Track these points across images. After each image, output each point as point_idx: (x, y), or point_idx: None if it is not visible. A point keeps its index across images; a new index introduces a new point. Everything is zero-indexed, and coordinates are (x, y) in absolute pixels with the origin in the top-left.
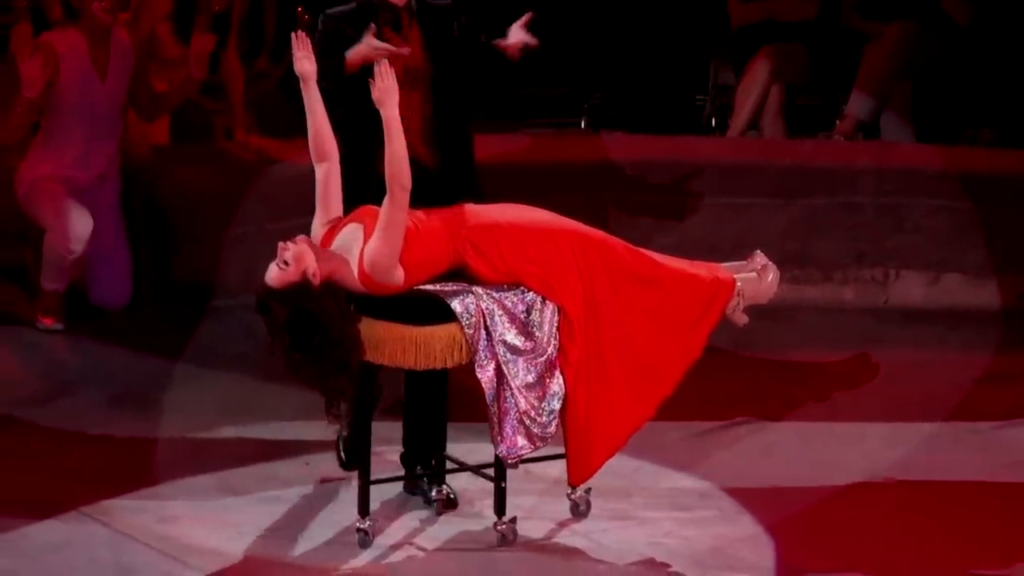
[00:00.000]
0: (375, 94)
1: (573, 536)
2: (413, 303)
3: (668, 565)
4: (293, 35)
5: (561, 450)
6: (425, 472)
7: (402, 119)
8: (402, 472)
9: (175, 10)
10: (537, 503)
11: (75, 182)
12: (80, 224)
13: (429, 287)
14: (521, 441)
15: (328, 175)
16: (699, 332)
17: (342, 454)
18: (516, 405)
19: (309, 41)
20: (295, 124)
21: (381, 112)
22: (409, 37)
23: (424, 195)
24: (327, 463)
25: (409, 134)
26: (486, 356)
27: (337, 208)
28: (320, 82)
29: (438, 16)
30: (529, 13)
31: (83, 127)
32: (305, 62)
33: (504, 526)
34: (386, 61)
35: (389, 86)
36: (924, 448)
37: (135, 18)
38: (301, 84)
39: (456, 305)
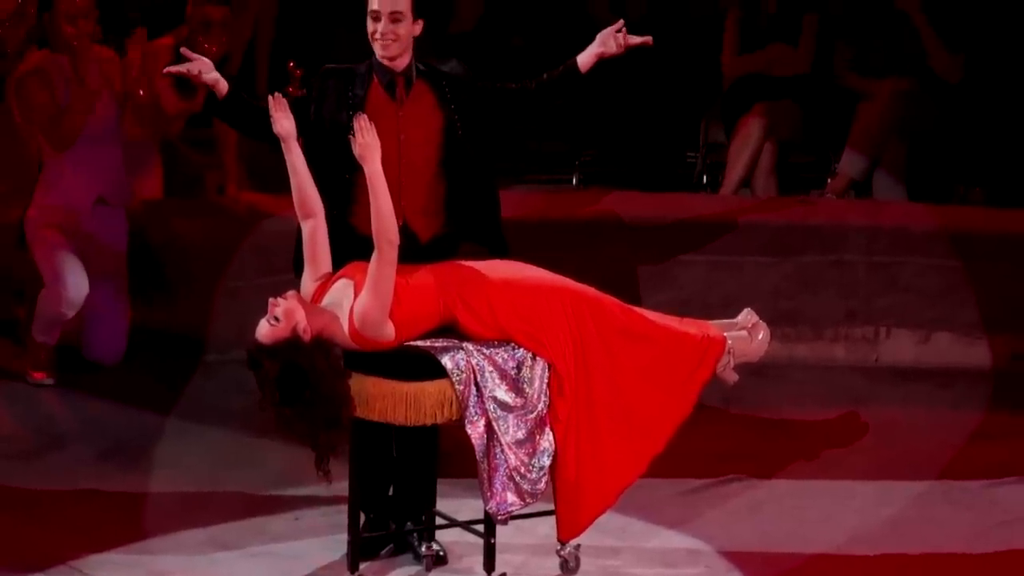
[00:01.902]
0: (356, 150)
1: None
2: (403, 359)
3: None
4: (270, 96)
5: (551, 506)
6: (415, 527)
7: (398, 184)
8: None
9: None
10: (527, 559)
11: (76, 210)
12: (75, 290)
13: (420, 343)
14: (511, 497)
15: (315, 231)
16: (690, 389)
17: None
18: (506, 461)
19: (286, 101)
20: (286, 179)
21: (364, 168)
22: (405, 102)
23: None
24: (317, 518)
25: (407, 201)
26: (476, 412)
27: (326, 264)
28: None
29: (450, 81)
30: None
31: (81, 146)
32: (284, 122)
33: None
34: (365, 116)
35: (370, 142)
36: (914, 506)
37: (143, 71)
38: (281, 144)
39: (447, 361)
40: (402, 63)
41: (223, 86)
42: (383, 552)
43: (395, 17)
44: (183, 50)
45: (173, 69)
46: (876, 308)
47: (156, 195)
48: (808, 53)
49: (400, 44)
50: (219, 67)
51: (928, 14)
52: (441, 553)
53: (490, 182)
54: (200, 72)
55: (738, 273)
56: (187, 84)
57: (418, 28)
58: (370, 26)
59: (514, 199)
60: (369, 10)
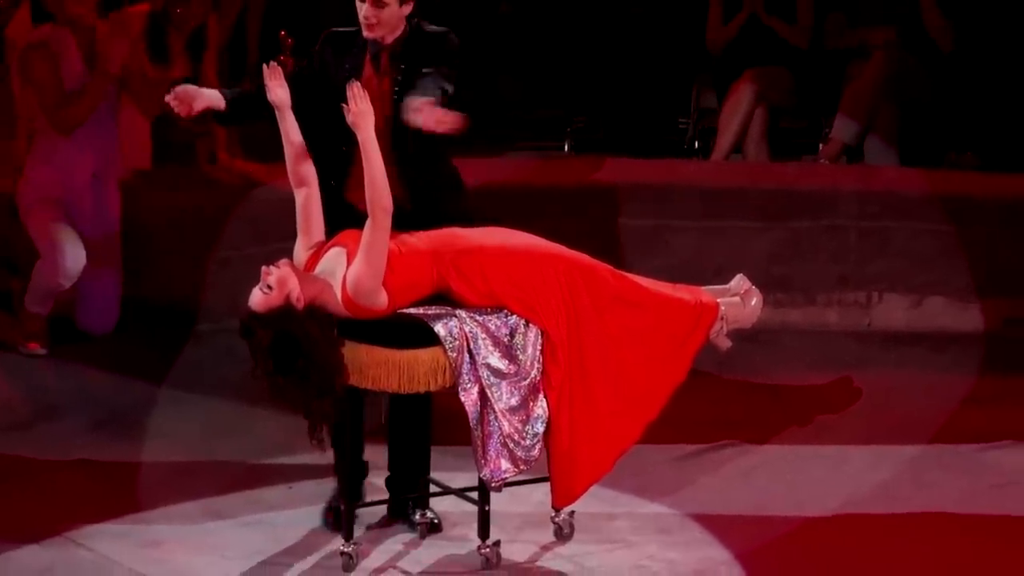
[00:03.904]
0: (350, 118)
1: (557, 559)
2: (396, 327)
3: None
4: (265, 65)
5: (545, 473)
6: (409, 495)
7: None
8: (386, 496)
9: (149, 31)
10: (521, 526)
11: (72, 184)
12: (72, 260)
13: (413, 311)
14: (505, 464)
15: (308, 200)
16: (683, 356)
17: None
18: (500, 428)
19: (281, 70)
20: (279, 147)
21: (357, 135)
22: (383, 80)
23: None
24: (310, 487)
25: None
26: (469, 379)
27: (319, 232)
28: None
29: (427, 51)
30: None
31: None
32: (278, 91)
33: (488, 549)
34: (358, 83)
35: (364, 109)
36: (907, 471)
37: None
38: (276, 112)
39: (439, 328)
40: (389, 38)
41: (219, 103)
42: (378, 520)
43: (378, 4)
44: (177, 88)
45: (167, 98)
46: (868, 273)
47: (146, 165)
48: (806, 30)
49: (383, 27)
50: (196, 37)
51: None
52: (435, 521)
53: (443, 158)
54: (191, 108)
55: (730, 239)
56: (161, 51)
57: (407, 8)
58: (358, 7)
59: (506, 166)
60: None
